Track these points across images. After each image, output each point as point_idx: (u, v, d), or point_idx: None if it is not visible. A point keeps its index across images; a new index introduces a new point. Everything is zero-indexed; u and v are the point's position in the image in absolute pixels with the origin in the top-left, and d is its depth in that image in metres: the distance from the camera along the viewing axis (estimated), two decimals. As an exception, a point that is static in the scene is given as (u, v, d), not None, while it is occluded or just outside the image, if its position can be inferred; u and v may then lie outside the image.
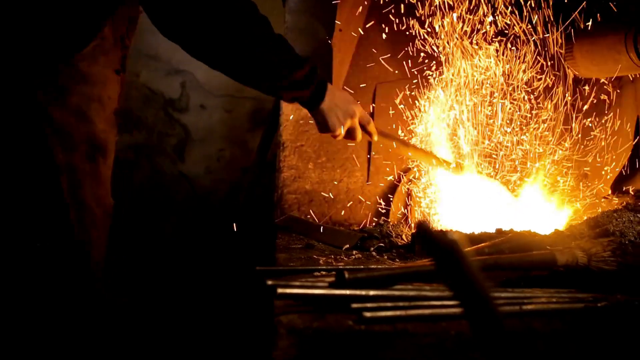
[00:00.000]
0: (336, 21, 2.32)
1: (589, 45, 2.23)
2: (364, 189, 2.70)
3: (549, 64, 2.54)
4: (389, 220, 2.53)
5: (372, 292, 1.14)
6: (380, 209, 2.65)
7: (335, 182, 2.68)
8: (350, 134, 1.91)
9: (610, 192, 2.49)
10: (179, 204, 3.91)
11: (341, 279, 1.15)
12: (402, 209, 2.61)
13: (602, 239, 1.52)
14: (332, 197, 2.67)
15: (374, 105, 2.70)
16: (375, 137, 2.02)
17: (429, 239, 0.51)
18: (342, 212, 2.67)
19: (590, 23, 2.25)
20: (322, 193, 2.67)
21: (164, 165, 3.93)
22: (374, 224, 2.43)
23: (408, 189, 2.62)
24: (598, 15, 2.29)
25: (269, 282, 1.12)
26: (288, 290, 1.11)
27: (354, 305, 1.11)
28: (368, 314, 1.08)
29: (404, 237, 2.02)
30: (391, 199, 2.64)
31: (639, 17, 1.95)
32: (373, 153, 2.69)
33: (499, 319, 0.56)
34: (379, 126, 2.67)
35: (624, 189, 2.48)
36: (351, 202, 2.69)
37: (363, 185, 2.69)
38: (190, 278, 3.35)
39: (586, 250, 1.44)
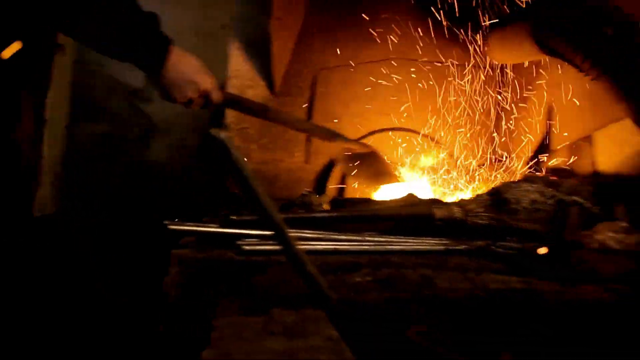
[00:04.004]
0: (272, 11, 2.50)
1: (501, 34, 2.43)
2: (303, 169, 2.89)
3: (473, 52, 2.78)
4: (325, 193, 2.73)
5: (254, 232, 1.33)
6: (317, 187, 2.84)
7: (277, 162, 2.87)
8: (191, 103, 1.84)
9: (527, 170, 2.70)
10: (143, 192, 4.03)
11: (228, 219, 1.34)
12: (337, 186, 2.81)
13: (478, 198, 1.72)
14: (274, 176, 2.86)
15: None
16: (216, 104, 1.91)
17: (207, 140, 0.70)
18: (283, 191, 2.86)
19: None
20: (264, 172, 2.86)
21: (128, 154, 4.06)
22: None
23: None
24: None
25: (164, 222, 1.30)
26: (178, 227, 1.29)
27: (238, 242, 1.30)
28: (247, 247, 1.27)
29: (324, 206, 2.20)
30: (328, 178, 2.83)
31: (537, 8, 2.14)
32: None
33: (258, 193, 0.75)
34: (320, 110, 2.89)
35: (539, 166, 2.69)
36: (291, 181, 2.88)
37: (302, 165, 2.88)
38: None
39: (463, 207, 1.64)
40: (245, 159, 0.74)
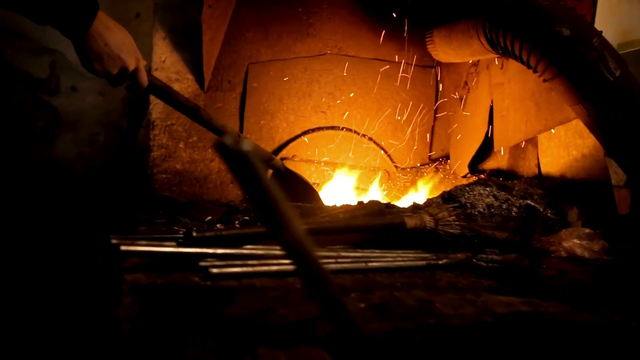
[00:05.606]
0: (205, -3, 2.29)
1: (447, 31, 2.35)
2: (236, 169, 2.69)
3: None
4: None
5: (220, 251, 1.14)
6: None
7: (207, 162, 2.66)
8: (112, 79, 1.65)
9: (467, 171, 2.64)
10: (48, 190, 3.71)
11: (189, 237, 1.15)
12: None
13: (448, 205, 1.61)
14: (205, 177, 2.65)
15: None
16: (141, 88, 1.73)
17: (223, 150, 0.53)
18: (214, 193, 2.66)
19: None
20: (194, 173, 2.64)
21: (31, 150, 3.72)
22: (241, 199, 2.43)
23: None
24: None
25: (114, 241, 1.09)
26: (133, 248, 1.09)
27: (202, 263, 1.11)
28: (215, 270, 1.08)
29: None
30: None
31: (487, 6, 2.07)
32: (245, 134, 2.69)
33: (287, 215, 0.58)
34: (252, 106, 2.70)
35: (479, 168, 2.65)
36: (223, 182, 2.68)
37: (235, 165, 2.68)
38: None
39: (434, 215, 1.53)
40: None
